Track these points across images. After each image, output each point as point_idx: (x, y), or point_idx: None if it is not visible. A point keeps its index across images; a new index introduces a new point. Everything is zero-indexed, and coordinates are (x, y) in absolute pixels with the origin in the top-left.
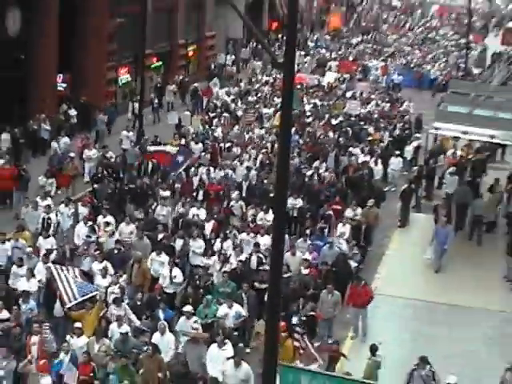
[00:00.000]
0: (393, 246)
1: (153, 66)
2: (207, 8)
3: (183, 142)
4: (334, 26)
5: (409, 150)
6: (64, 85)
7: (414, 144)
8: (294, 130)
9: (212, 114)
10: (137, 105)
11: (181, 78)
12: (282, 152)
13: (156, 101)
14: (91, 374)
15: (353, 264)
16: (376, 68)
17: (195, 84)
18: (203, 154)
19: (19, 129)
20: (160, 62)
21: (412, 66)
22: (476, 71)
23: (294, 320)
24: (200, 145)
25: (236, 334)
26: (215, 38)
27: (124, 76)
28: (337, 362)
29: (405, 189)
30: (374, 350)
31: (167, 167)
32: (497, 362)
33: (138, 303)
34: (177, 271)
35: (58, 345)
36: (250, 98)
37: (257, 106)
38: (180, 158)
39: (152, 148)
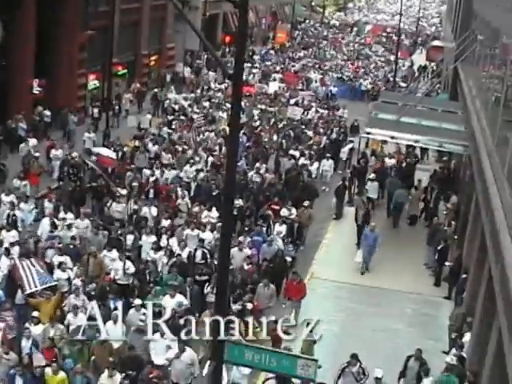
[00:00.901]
0: (328, 235)
1: (119, 73)
2: (168, 23)
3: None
4: (279, 42)
5: (344, 152)
6: (39, 88)
7: (349, 146)
8: (242, 133)
9: (170, 117)
10: (96, 110)
11: (138, 86)
12: (230, 154)
13: (117, 107)
14: (54, 359)
15: (288, 259)
16: (316, 80)
17: (155, 90)
18: (164, 154)
19: None
20: (125, 70)
21: (346, 79)
22: (403, 84)
23: (233, 309)
24: (156, 146)
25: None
26: (174, 49)
27: (93, 82)
28: (280, 342)
29: (339, 185)
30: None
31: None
32: (415, 338)
33: (93, 293)
34: (129, 263)
35: (18, 330)
36: (204, 104)
37: (210, 111)
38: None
39: (96, 150)
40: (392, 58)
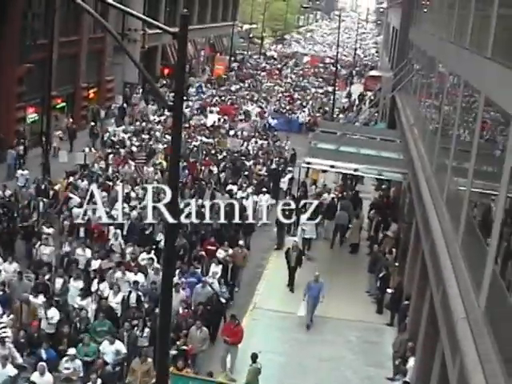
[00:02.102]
0: (270, 265)
1: (58, 106)
2: (106, 55)
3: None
4: (218, 74)
5: (284, 182)
6: None
7: (289, 176)
8: (182, 166)
9: (108, 150)
10: (21, 147)
11: (70, 121)
12: (171, 187)
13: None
14: None
15: (222, 301)
16: (254, 113)
17: (92, 123)
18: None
19: None
20: (64, 103)
21: (283, 111)
22: (341, 115)
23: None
24: (85, 182)
25: (116, 370)
26: (113, 82)
27: (32, 115)
28: None
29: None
30: (254, 357)
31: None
32: (360, 366)
33: (22, 340)
34: (53, 312)
35: None
36: (143, 136)
37: (150, 143)
38: None
39: None
40: (330, 88)
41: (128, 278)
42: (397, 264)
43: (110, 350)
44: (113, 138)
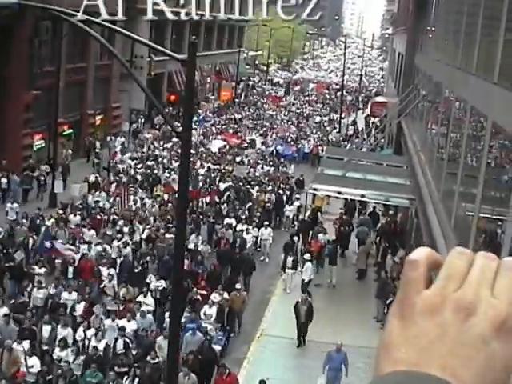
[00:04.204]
0: (277, 291)
1: (64, 133)
2: (113, 82)
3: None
4: (224, 100)
5: (291, 210)
6: None
7: (296, 203)
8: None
9: (111, 179)
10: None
11: (69, 153)
12: (178, 218)
13: (42, 178)
14: None
15: (217, 348)
16: (258, 141)
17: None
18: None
19: None
20: (71, 130)
21: (289, 140)
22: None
23: None
24: (78, 217)
25: None
26: (120, 109)
27: (38, 142)
28: None
29: (287, 242)
30: None
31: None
32: None
33: None
34: (34, 360)
35: None
36: (149, 163)
37: (155, 171)
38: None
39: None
40: (335, 115)
41: (116, 323)
42: None
43: None
44: (119, 165)
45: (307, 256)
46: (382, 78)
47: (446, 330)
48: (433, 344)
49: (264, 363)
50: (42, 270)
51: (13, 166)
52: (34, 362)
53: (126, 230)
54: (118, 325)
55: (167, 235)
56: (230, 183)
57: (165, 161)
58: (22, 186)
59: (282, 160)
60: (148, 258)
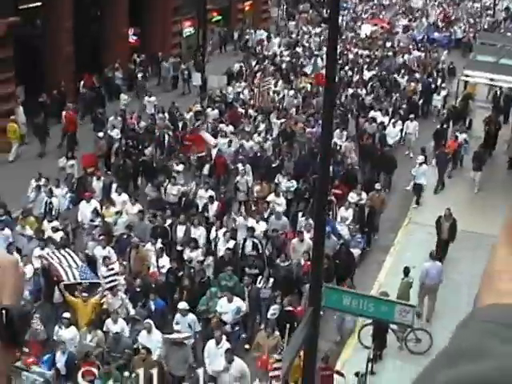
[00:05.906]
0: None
1: (214, 19)
2: None
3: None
4: None
5: (439, 99)
6: (135, 37)
7: (443, 93)
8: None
9: (256, 67)
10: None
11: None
12: (325, 114)
13: (186, 72)
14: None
15: (356, 252)
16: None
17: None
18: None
19: (96, 76)
20: (220, 16)
21: (438, 26)
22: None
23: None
24: (216, 111)
25: (235, 330)
26: None
27: (188, 29)
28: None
29: (437, 129)
30: (406, 272)
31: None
32: None
33: (138, 290)
34: (165, 260)
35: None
36: (297, 49)
37: (301, 60)
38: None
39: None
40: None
41: (246, 224)
42: None
43: (229, 308)
44: (265, 52)
45: (421, 159)
46: None
47: None
48: None
49: (410, 251)
50: (180, 167)
51: (163, 54)
52: (165, 262)
53: (262, 126)
54: (247, 224)
55: (307, 129)
56: (374, 73)
57: (312, 46)
58: (172, 74)
59: (435, 45)
60: (284, 153)
